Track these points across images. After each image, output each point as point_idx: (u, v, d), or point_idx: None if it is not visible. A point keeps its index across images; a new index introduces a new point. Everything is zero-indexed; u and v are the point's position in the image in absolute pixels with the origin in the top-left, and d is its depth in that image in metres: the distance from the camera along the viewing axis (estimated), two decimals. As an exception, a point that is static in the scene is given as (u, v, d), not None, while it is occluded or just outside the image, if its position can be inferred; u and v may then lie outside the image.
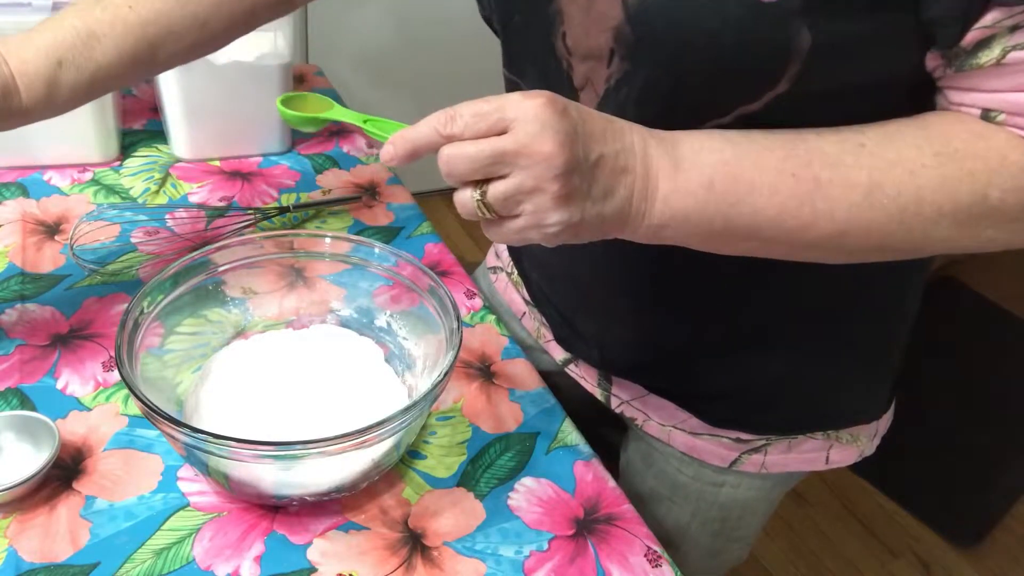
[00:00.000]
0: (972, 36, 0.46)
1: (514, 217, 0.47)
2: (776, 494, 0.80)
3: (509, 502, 0.64)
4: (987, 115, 0.49)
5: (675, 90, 0.52)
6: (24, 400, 0.66)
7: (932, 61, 0.50)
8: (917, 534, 1.72)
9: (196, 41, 0.65)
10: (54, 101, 0.60)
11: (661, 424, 0.74)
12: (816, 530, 1.70)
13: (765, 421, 0.71)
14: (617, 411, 0.76)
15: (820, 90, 0.50)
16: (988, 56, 0.46)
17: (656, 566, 0.61)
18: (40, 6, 0.83)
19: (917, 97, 0.53)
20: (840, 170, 0.48)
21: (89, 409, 0.66)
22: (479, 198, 0.46)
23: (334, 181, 1.00)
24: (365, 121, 0.55)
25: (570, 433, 0.71)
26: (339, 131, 1.11)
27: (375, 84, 2.23)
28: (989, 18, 0.45)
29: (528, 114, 0.44)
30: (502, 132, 0.45)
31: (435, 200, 2.54)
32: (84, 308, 0.76)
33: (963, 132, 0.49)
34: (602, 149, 0.47)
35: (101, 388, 0.68)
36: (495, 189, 0.46)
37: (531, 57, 0.60)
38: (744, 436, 0.71)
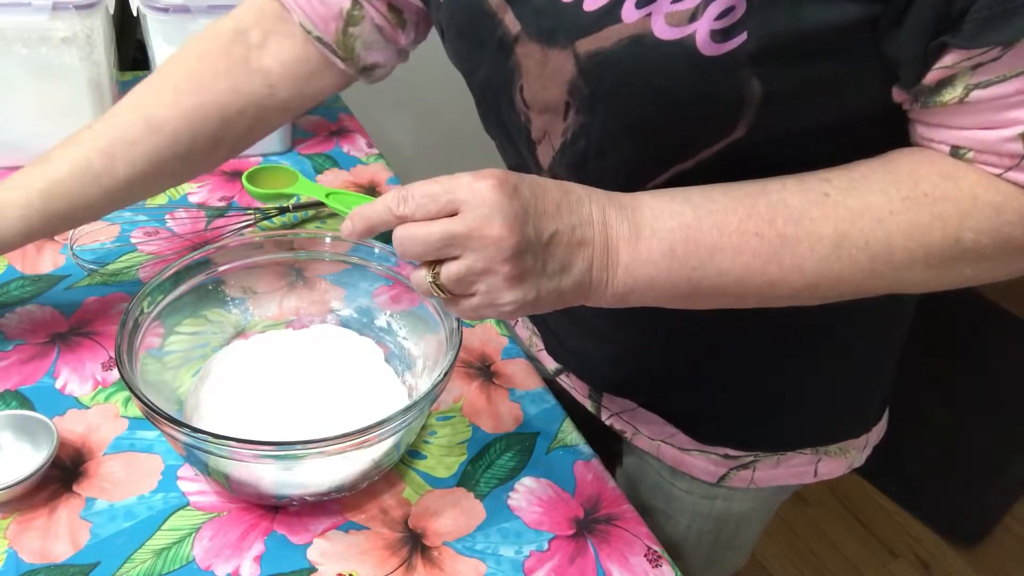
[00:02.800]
0: (933, 76, 0.45)
1: (469, 296, 0.48)
2: (771, 504, 0.79)
3: (509, 502, 0.64)
4: (956, 152, 0.48)
5: (631, 141, 0.52)
6: (23, 400, 0.66)
7: (899, 96, 0.49)
8: (917, 534, 1.73)
9: (153, 146, 0.64)
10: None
11: (650, 438, 0.73)
12: (816, 530, 1.70)
13: (753, 439, 0.70)
14: (607, 423, 0.76)
15: (782, 132, 0.50)
16: (951, 94, 0.46)
17: (656, 566, 0.61)
18: (40, 6, 0.83)
19: (889, 128, 0.52)
20: (805, 224, 0.48)
21: (88, 408, 0.66)
22: (431, 280, 0.47)
23: (334, 181, 1.00)
24: (328, 195, 0.56)
25: (570, 433, 0.71)
26: (339, 131, 1.11)
27: (375, 83, 2.23)
28: (948, 59, 0.44)
29: (477, 197, 0.45)
30: (453, 214, 0.45)
31: (435, 200, 2.54)
32: (84, 308, 0.76)
33: (932, 174, 0.48)
34: (556, 225, 0.47)
35: (100, 387, 0.68)
36: (448, 270, 0.46)
37: (495, 110, 0.60)
38: (732, 452, 0.70)
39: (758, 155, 0.51)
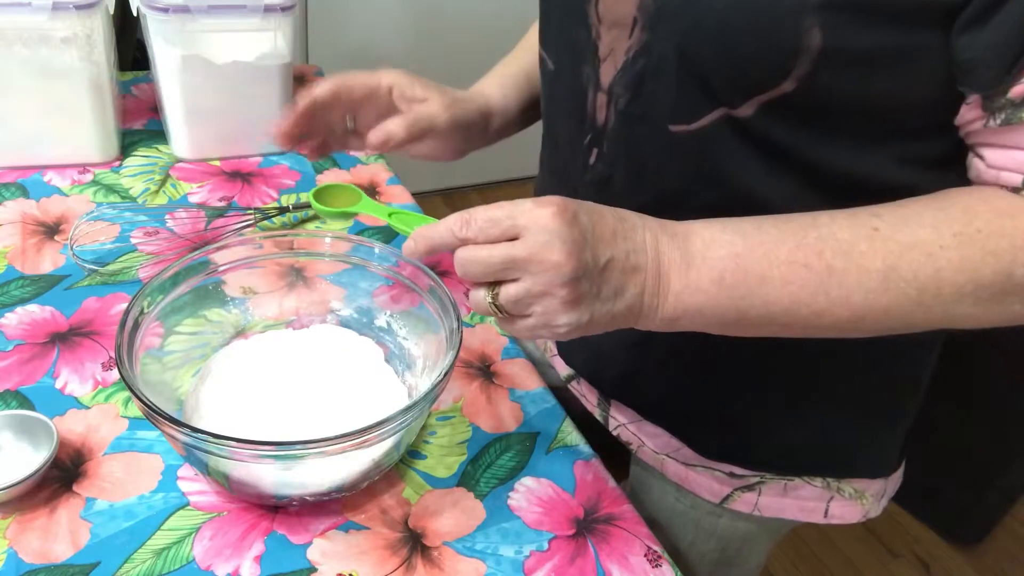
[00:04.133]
0: (1022, 89, 0.45)
1: (525, 316, 0.49)
2: (778, 528, 0.77)
3: (509, 502, 0.64)
4: None
5: (682, 68, 0.53)
6: (23, 400, 0.66)
7: (971, 112, 0.48)
8: (917, 534, 1.73)
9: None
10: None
11: (655, 452, 0.73)
12: (816, 530, 1.70)
13: (758, 456, 0.69)
14: (614, 433, 0.75)
15: (832, 100, 0.50)
16: None
17: (656, 566, 0.61)
18: (40, 6, 0.83)
19: (945, 137, 0.51)
20: (853, 257, 0.48)
21: (88, 408, 0.66)
22: (491, 300, 0.48)
23: (334, 181, 1.00)
24: (390, 215, 0.59)
25: (570, 433, 0.71)
26: (339, 131, 1.11)
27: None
28: None
29: (538, 223, 0.46)
30: (514, 238, 0.47)
31: (435, 200, 2.54)
32: (84, 308, 0.76)
33: (987, 212, 0.47)
34: (612, 252, 0.48)
35: (100, 387, 0.68)
36: (507, 292, 0.48)
37: (564, 27, 0.62)
38: (738, 471, 0.69)
39: (806, 122, 0.51)
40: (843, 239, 0.48)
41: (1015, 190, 0.48)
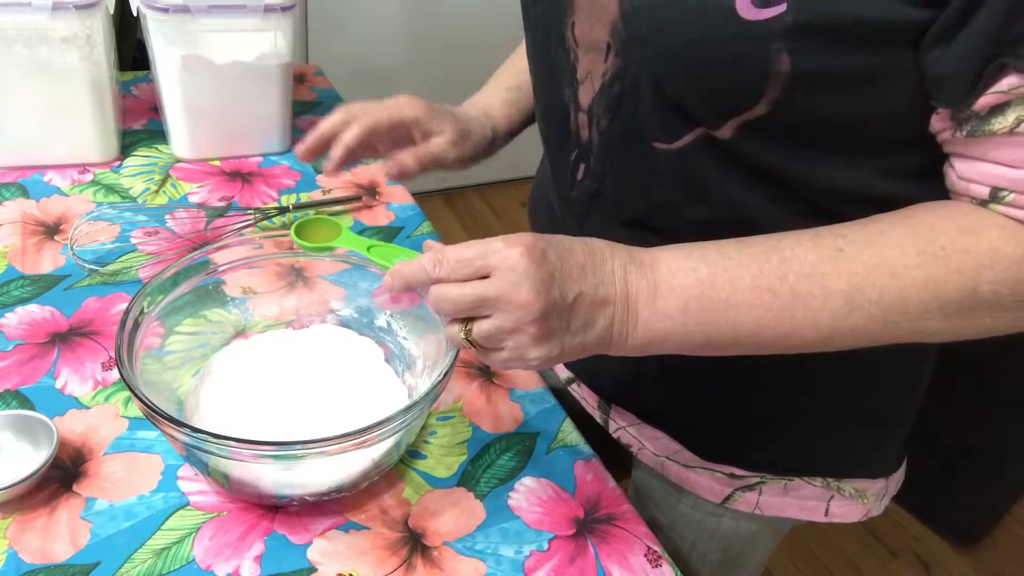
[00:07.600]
0: (986, 100, 0.45)
1: (499, 350, 0.50)
2: (780, 528, 0.77)
3: (509, 502, 0.64)
4: (996, 194, 0.47)
5: (657, 92, 0.53)
6: (23, 400, 0.66)
7: (939, 123, 0.49)
8: (917, 534, 1.73)
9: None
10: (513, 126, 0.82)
11: (655, 454, 0.72)
12: (816, 529, 1.70)
13: (758, 458, 0.69)
14: (615, 436, 0.75)
15: (805, 122, 0.50)
16: (1001, 123, 0.45)
17: (656, 566, 0.61)
18: (40, 6, 0.83)
19: (925, 148, 0.51)
20: (817, 280, 0.49)
21: (88, 408, 0.66)
22: (464, 335, 0.50)
23: (334, 181, 1.00)
24: (370, 248, 0.60)
25: (570, 433, 0.71)
26: (339, 131, 1.11)
27: (374, 84, 2.23)
28: (1005, 83, 0.44)
29: (508, 263, 0.48)
30: (485, 277, 0.48)
31: (435, 200, 2.54)
32: (84, 308, 0.76)
33: (952, 229, 0.48)
34: (580, 287, 0.49)
35: (100, 387, 0.68)
36: (479, 328, 0.49)
37: (544, 48, 0.62)
38: (737, 472, 0.69)
39: (785, 141, 0.51)
40: (807, 261, 0.49)
41: (983, 203, 0.48)
